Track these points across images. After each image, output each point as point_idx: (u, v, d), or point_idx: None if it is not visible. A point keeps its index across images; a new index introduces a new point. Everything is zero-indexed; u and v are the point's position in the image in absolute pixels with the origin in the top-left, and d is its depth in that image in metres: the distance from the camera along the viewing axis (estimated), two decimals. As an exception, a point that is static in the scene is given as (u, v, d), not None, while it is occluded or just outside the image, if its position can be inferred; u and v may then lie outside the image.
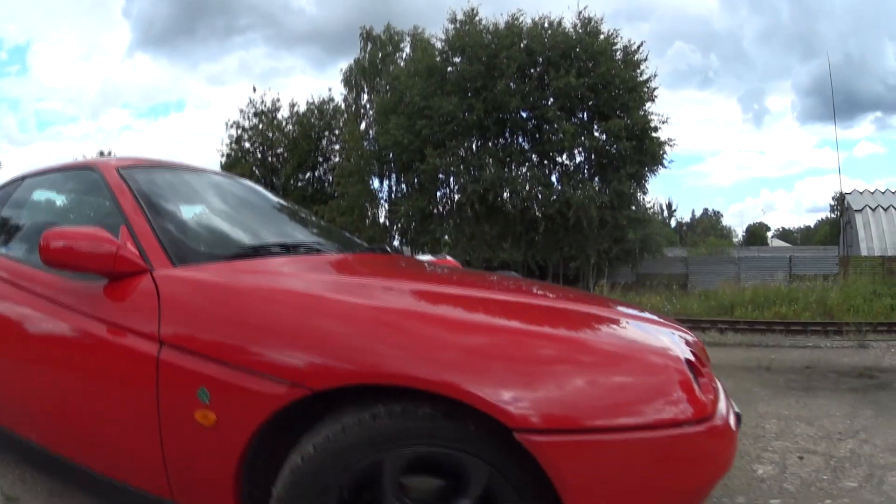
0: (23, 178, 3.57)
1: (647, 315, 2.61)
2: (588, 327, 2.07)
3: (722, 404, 1.96)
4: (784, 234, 79.70)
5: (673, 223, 72.58)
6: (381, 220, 35.30)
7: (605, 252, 25.99)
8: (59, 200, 3.47)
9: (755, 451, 3.88)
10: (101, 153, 63.05)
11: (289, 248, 2.76)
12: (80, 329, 2.37)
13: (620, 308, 2.56)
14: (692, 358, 1.99)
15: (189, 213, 3.05)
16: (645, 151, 26.12)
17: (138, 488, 2.21)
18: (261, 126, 40.77)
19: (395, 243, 34.64)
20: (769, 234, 79.45)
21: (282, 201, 3.96)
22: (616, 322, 2.21)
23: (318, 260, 2.74)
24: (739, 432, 3.80)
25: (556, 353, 1.82)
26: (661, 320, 2.57)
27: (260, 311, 2.04)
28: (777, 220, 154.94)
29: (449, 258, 7.13)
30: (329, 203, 34.90)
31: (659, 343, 1.96)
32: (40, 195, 3.54)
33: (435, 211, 31.30)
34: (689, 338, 2.43)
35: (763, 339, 8.40)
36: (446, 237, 31.43)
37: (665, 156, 27.19)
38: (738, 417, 2.17)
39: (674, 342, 2.05)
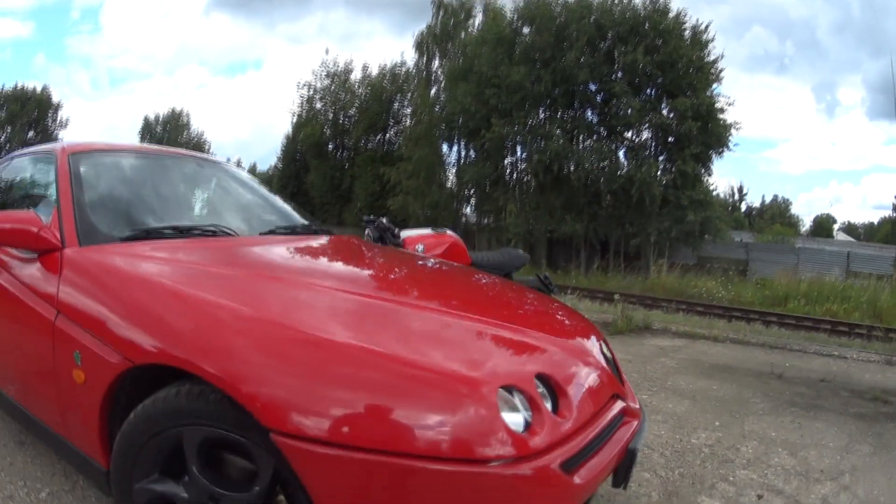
0: (11, 158, 4.05)
1: (559, 318, 2.86)
2: (410, 341, 2.04)
3: (574, 444, 1.95)
4: (849, 229, 77.33)
5: (743, 207, 70.66)
6: (448, 185, 35.22)
7: (665, 232, 25.59)
8: (29, 180, 3.76)
9: (713, 478, 3.53)
10: (174, 111, 63.87)
11: (182, 231, 2.99)
12: (19, 292, 2.74)
13: (527, 306, 2.89)
14: (555, 387, 2.06)
15: (114, 195, 3.32)
16: (710, 133, 25.51)
17: (41, 420, 2.65)
18: (333, 87, 39.85)
19: (467, 210, 36.16)
20: (835, 226, 77.11)
21: (241, 184, 4.28)
22: (461, 336, 2.21)
23: (198, 245, 2.89)
24: (710, 451, 3.86)
25: (343, 367, 1.84)
26: (566, 325, 2.79)
27: (119, 290, 2.34)
28: (844, 214, 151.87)
29: (449, 233, 6.65)
30: (397, 165, 35.20)
31: (477, 372, 1.92)
32: (17, 174, 3.93)
33: (500, 179, 31.05)
34: (592, 349, 2.55)
35: (791, 340, 7.71)
36: (511, 205, 30.90)
37: (730, 138, 26.33)
38: (627, 457, 2.22)
39: (515, 368, 2.06)
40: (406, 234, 6.40)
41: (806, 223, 77.42)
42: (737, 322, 12.26)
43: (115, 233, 2.82)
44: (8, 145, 59.65)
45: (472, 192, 34.26)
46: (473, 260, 6.44)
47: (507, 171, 31.44)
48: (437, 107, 34.42)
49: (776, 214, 74.34)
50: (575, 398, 2.07)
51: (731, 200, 49.54)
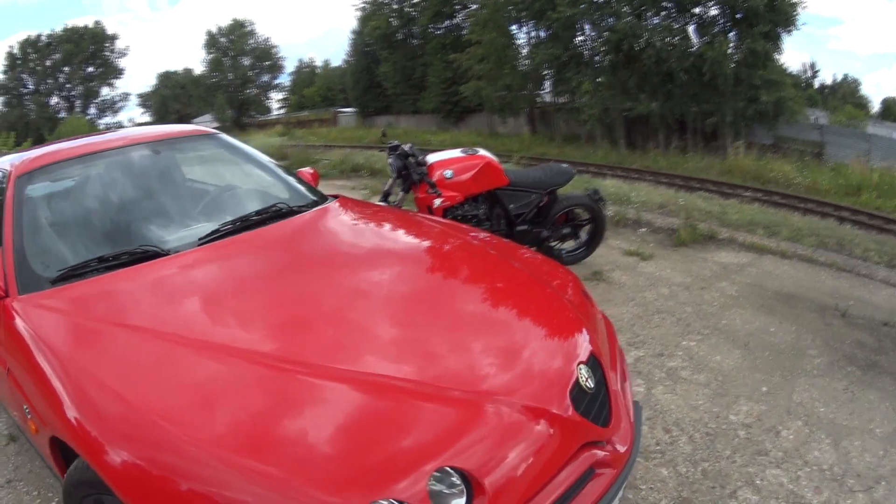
0: None
1: (523, 334, 2.59)
2: (274, 435, 1.92)
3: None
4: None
5: (816, 84, 67.27)
6: (520, 68, 33.95)
7: (740, 112, 24.50)
8: None
9: (738, 480, 3.26)
10: (236, 20, 63.73)
11: (107, 260, 2.84)
12: None
13: (474, 320, 2.63)
14: None
15: (58, 221, 3.21)
16: (777, 10, 23.84)
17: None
18: None
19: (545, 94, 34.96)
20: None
21: (209, 161, 4.31)
22: (337, 426, 1.96)
23: (109, 283, 2.72)
24: (746, 436, 3.58)
25: (186, 462, 1.79)
26: (526, 353, 2.47)
27: (24, 357, 2.37)
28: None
29: (481, 152, 6.25)
30: (466, 51, 34.56)
31: (336, 494, 1.73)
32: None
33: (571, 60, 29.94)
34: (555, 396, 2.27)
35: (860, 263, 7.01)
36: (586, 82, 30.04)
37: (797, 17, 24.52)
38: None
39: (397, 475, 1.81)
40: (433, 158, 6.30)
41: (875, 104, 72.90)
42: (811, 217, 12.23)
43: (47, 273, 2.72)
44: (68, 84, 60.68)
45: (545, 73, 33.10)
46: (511, 179, 6.27)
47: (579, 50, 30.21)
48: None
49: (847, 94, 70.54)
50: (501, 485, 1.87)
51: (804, 77, 47.07)
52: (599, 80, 29.01)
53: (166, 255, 2.90)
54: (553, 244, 6.67)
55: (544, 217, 6.43)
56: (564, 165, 6.67)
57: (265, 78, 69.35)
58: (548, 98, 35.41)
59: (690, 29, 26.62)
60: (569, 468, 2.10)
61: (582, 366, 2.38)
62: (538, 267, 3.28)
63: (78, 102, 63.76)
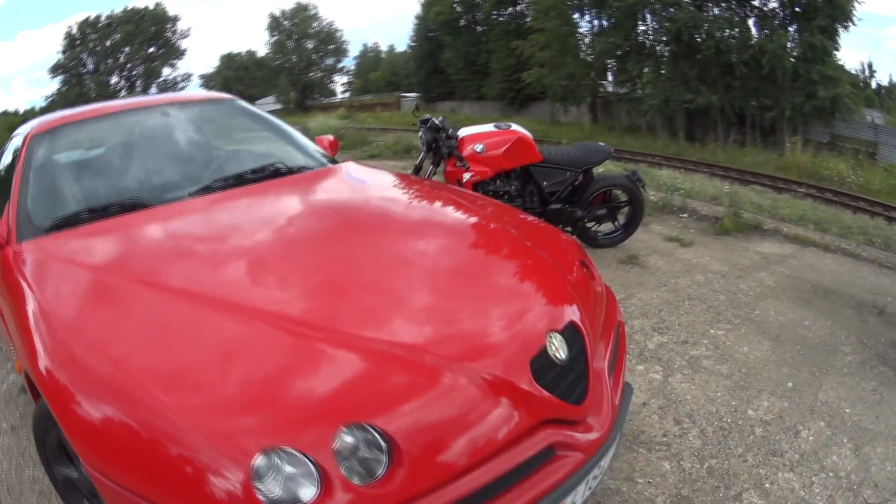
0: (11, 137, 3.97)
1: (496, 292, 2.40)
2: (193, 375, 1.91)
3: None
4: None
5: (874, 84, 65.50)
6: (583, 56, 33.86)
7: (798, 107, 24.09)
8: (9, 164, 3.61)
9: (746, 482, 2.99)
10: (299, 3, 64.44)
11: (97, 211, 2.93)
12: None
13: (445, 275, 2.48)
14: None
15: (63, 177, 3.32)
16: (834, 4, 23.46)
17: None
18: None
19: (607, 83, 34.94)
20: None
21: (217, 123, 4.35)
22: (260, 364, 1.91)
23: (94, 230, 2.79)
24: (763, 433, 3.31)
25: (130, 408, 1.79)
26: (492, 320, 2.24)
27: (11, 296, 2.45)
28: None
29: (514, 127, 6.04)
30: (529, 38, 34.47)
31: (237, 430, 1.68)
32: (7, 156, 3.80)
33: (633, 49, 29.78)
34: (511, 363, 2.06)
35: None
36: (647, 72, 30.05)
37: (854, 12, 24.06)
38: None
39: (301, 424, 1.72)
40: (464, 132, 6.20)
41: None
42: (861, 216, 12.13)
43: (43, 224, 2.83)
44: (129, 65, 61.73)
45: (608, 62, 32.77)
46: (545, 155, 6.12)
47: (640, 40, 30.03)
48: None
49: (905, 95, 68.42)
50: (423, 452, 1.74)
51: (861, 76, 45.94)
52: (661, 70, 28.82)
53: (148, 208, 2.98)
54: (589, 225, 6.47)
55: (579, 196, 6.22)
56: (601, 144, 6.44)
57: (329, 61, 70.27)
58: (610, 88, 35.20)
59: (750, 21, 26.35)
60: (521, 445, 1.90)
61: (554, 335, 2.17)
62: (533, 231, 3.12)
63: (139, 82, 64.94)
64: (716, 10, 26.51)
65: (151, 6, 64.51)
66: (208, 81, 75.22)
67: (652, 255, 6.34)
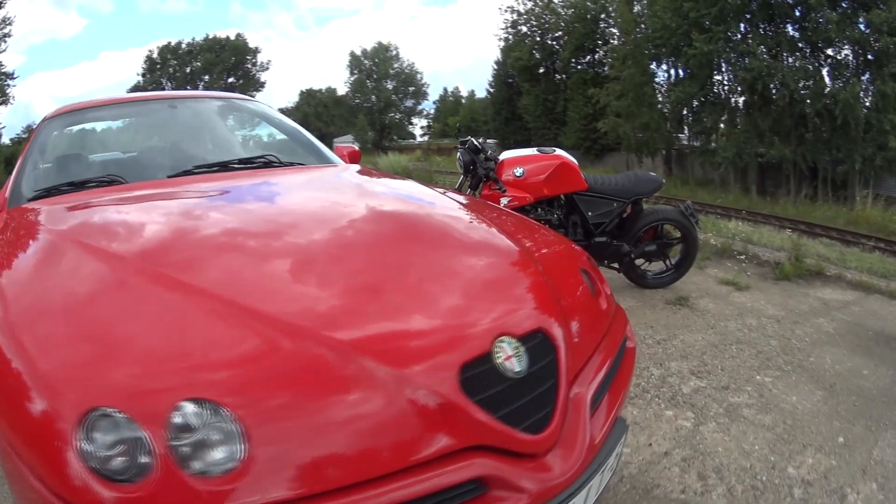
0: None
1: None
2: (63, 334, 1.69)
3: None
4: None
5: None
6: (659, 106, 34.04)
7: (869, 159, 23.56)
8: None
9: None
10: (381, 44, 65.62)
11: (76, 185, 2.98)
12: None
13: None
14: None
15: (57, 154, 3.46)
16: None
17: None
18: (536, 9, 39.52)
19: (684, 137, 34.69)
20: None
21: (218, 116, 4.21)
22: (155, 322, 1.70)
23: (69, 200, 2.78)
24: (802, 496, 2.79)
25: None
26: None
27: None
28: None
29: (558, 152, 5.60)
30: (605, 86, 34.92)
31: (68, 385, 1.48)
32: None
33: (707, 99, 29.97)
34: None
35: None
36: (722, 126, 29.81)
37: None
38: None
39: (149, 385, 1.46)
40: (507, 155, 5.81)
41: None
42: None
43: (28, 193, 2.97)
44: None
45: (684, 113, 32.78)
46: (590, 184, 5.69)
47: (715, 90, 30.21)
48: (642, 24, 33.26)
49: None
50: (285, 448, 1.42)
51: None
52: (735, 121, 28.73)
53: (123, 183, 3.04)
54: (638, 263, 6.05)
55: (627, 230, 5.80)
56: (652, 174, 6.05)
57: (409, 103, 71.25)
58: (685, 140, 35.14)
59: (824, 71, 26.00)
60: (433, 470, 1.52)
61: (508, 340, 1.77)
62: (524, 226, 2.89)
63: None
64: (789, 60, 26.42)
65: (233, 37, 66.39)
66: (287, 116, 76.67)
67: (703, 297, 5.92)
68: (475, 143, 5.77)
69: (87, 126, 3.95)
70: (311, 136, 4.22)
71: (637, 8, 34.44)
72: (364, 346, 1.64)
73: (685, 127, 33.77)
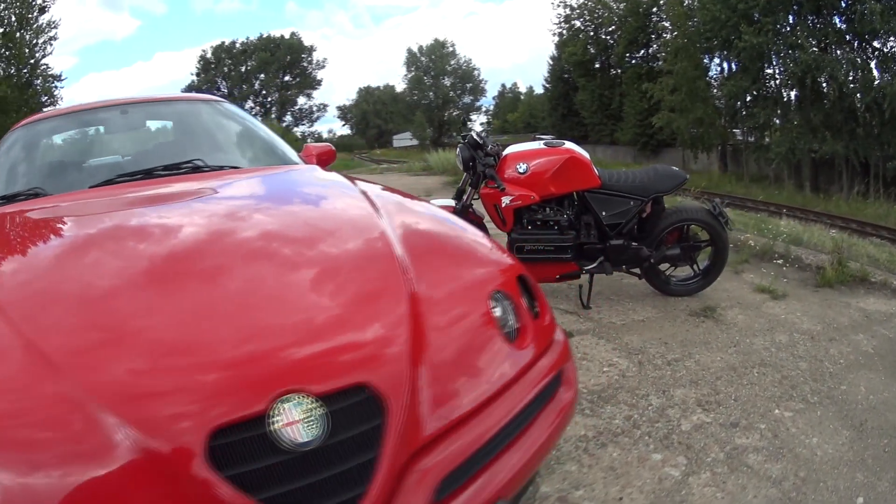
0: None
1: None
2: None
3: None
4: None
5: None
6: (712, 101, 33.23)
7: None
8: None
9: None
10: (437, 40, 66.04)
11: (7, 198, 2.96)
12: None
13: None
14: None
15: (8, 163, 3.45)
16: None
17: None
18: (589, 3, 38.89)
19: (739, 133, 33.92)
20: None
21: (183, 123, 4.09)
22: None
23: None
24: None
25: None
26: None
27: None
28: None
29: (567, 145, 5.02)
30: (658, 81, 34.27)
31: None
32: None
33: (759, 94, 29.18)
34: None
35: None
36: (777, 122, 29.03)
37: None
38: None
39: None
40: (511, 150, 5.26)
41: None
42: None
43: None
44: (263, 91, 64.05)
45: (738, 108, 31.91)
46: (604, 181, 5.13)
47: (767, 84, 29.42)
48: (694, 17, 32.37)
49: None
50: None
51: None
52: (788, 116, 28.01)
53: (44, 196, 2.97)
54: (662, 268, 5.40)
55: (647, 231, 5.20)
56: (675, 168, 5.36)
57: (466, 99, 70.93)
58: (740, 136, 34.12)
59: (872, 64, 25.14)
60: None
61: (295, 399, 1.37)
62: (422, 237, 2.29)
63: (274, 109, 67.33)
64: (837, 52, 25.52)
65: (287, 36, 67.19)
66: (345, 113, 77.55)
67: (733, 307, 5.21)
68: (474, 137, 5.21)
69: (44, 138, 3.77)
70: (272, 136, 4.00)
71: (687, 2, 33.59)
72: (109, 394, 1.34)
73: (738, 122, 32.92)
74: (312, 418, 1.36)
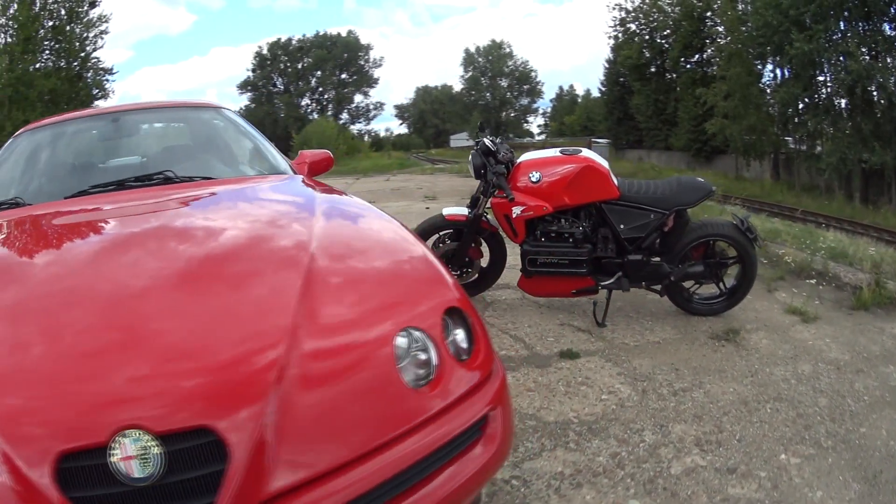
0: None
1: None
2: None
3: None
4: None
5: None
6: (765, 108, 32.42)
7: None
8: None
9: None
10: (494, 41, 66.18)
11: None
12: None
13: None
14: None
15: (10, 168, 3.51)
16: None
17: None
18: (644, 7, 38.77)
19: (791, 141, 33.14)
20: None
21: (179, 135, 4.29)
22: None
23: None
24: None
25: None
26: None
27: None
28: None
29: (584, 153, 4.76)
30: (711, 86, 33.37)
31: None
32: None
33: (811, 102, 28.33)
34: None
35: None
36: (830, 130, 27.72)
37: None
38: None
39: None
40: (526, 157, 5.11)
41: None
42: None
43: None
44: (320, 88, 64.64)
45: (791, 116, 30.90)
46: (623, 192, 4.87)
47: (819, 92, 28.60)
48: (748, 23, 31.60)
49: None
50: None
51: None
52: (839, 125, 26.97)
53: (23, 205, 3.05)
54: (686, 285, 5.08)
55: (669, 246, 4.90)
56: (700, 179, 5.04)
57: (524, 101, 70.56)
58: (792, 144, 33.21)
59: None
60: None
61: (134, 435, 1.40)
62: (351, 263, 2.18)
63: (330, 106, 67.92)
64: (888, 60, 24.76)
65: (344, 33, 67.80)
66: (403, 112, 77.72)
67: (758, 330, 4.85)
68: (486, 143, 5.01)
69: (37, 146, 3.76)
70: (265, 144, 3.96)
71: (741, 7, 32.88)
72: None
73: (790, 130, 32.04)
74: (148, 456, 1.38)
